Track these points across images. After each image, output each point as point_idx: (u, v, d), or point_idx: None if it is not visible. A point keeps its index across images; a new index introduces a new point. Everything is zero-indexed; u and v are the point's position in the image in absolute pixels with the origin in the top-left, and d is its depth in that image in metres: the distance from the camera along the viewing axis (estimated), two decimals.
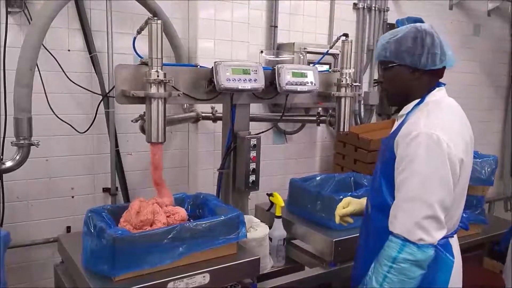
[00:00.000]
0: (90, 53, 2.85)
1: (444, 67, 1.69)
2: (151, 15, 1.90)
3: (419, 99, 1.68)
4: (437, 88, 1.69)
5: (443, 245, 1.63)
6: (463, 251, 1.81)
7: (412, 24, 1.69)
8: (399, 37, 1.65)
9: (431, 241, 1.51)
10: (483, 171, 2.70)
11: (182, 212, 1.98)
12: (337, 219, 1.95)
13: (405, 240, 1.51)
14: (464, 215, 2.67)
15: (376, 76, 4.09)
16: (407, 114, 1.68)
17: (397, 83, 1.70)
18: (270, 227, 2.29)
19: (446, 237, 1.62)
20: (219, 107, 2.87)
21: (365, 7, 3.93)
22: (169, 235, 1.74)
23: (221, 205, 2.06)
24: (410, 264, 1.50)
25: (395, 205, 1.58)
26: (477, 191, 2.74)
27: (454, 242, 1.72)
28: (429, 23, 1.71)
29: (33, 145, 2.26)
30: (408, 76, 1.67)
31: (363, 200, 1.94)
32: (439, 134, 1.51)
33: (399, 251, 1.51)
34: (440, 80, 1.73)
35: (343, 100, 2.54)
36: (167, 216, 1.94)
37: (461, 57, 4.53)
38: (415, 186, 1.52)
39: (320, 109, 3.43)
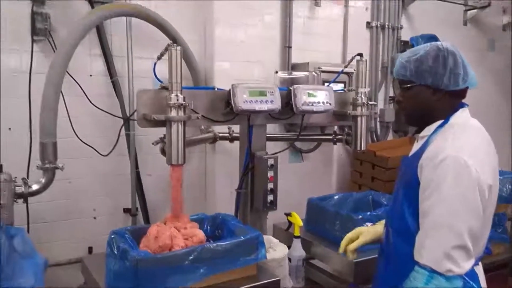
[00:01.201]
0: (111, 77, 2.93)
1: (467, 88, 1.62)
2: (171, 41, 1.96)
3: (442, 120, 1.60)
4: (461, 109, 1.62)
5: (470, 275, 1.53)
6: (487, 271, 1.76)
7: (433, 43, 1.63)
8: (420, 55, 1.59)
9: (459, 272, 1.44)
10: (504, 188, 2.68)
11: (200, 235, 1.99)
12: (342, 249, 1.86)
13: (433, 271, 1.44)
14: None
15: (391, 93, 4.11)
16: (430, 135, 1.60)
17: (418, 103, 1.63)
18: (288, 247, 2.29)
19: (472, 266, 1.53)
20: (236, 127, 2.91)
21: (378, 25, 3.98)
22: (190, 256, 1.76)
23: (240, 225, 2.08)
24: None
25: (422, 233, 1.50)
26: (499, 209, 2.70)
27: (480, 270, 1.64)
28: (450, 42, 1.65)
29: (58, 168, 2.32)
30: (429, 96, 1.60)
31: (377, 228, 1.86)
32: (466, 159, 1.44)
33: (426, 282, 1.44)
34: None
35: (359, 118, 2.56)
36: (185, 239, 1.95)
37: (476, 72, 4.48)
38: (443, 213, 1.45)
39: (336, 127, 3.45)
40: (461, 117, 1.61)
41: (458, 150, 1.47)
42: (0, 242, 0.92)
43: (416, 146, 1.68)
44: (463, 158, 1.45)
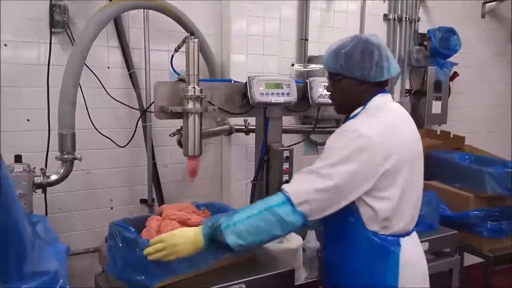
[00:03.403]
0: (128, 69, 2.96)
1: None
2: (188, 34, 1.98)
3: (362, 106, 1.74)
4: (379, 95, 1.74)
5: (392, 242, 1.66)
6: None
7: (359, 35, 1.76)
8: (348, 49, 1.69)
9: (307, 214, 1.59)
10: None
11: (193, 219, 1.99)
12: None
13: (288, 200, 1.59)
14: None
15: (408, 86, 4.07)
16: (349, 119, 1.75)
17: (347, 94, 1.76)
18: (303, 238, 2.31)
19: (396, 236, 1.67)
20: (251, 120, 2.92)
21: (396, 17, 3.93)
22: None
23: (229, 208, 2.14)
24: (276, 219, 1.58)
25: (300, 172, 1.67)
26: None
27: (409, 241, 1.72)
28: (376, 35, 1.75)
29: (76, 159, 2.36)
30: (357, 87, 1.73)
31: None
32: (363, 130, 1.58)
33: (277, 205, 1.59)
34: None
35: None
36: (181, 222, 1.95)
37: (495, 65, 4.44)
38: (321, 165, 1.59)
39: None
40: (377, 100, 1.73)
41: (359, 124, 1.63)
42: (25, 228, 0.95)
43: None
44: (360, 128, 1.59)
